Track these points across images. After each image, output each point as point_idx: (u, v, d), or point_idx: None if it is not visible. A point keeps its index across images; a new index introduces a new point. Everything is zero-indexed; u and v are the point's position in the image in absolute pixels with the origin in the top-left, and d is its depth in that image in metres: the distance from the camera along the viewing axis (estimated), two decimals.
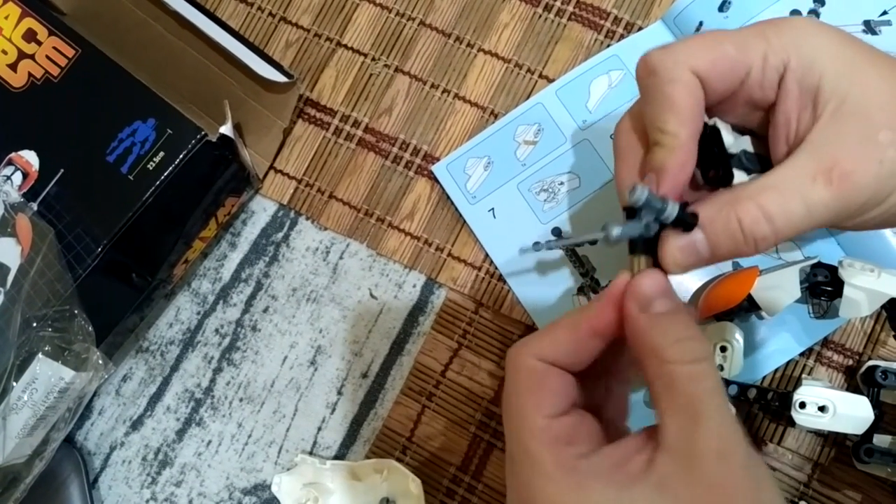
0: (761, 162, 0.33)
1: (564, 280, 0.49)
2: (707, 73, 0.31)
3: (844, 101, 0.30)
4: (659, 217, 0.30)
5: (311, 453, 0.50)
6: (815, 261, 0.43)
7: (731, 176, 0.33)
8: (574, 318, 0.30)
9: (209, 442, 0.51)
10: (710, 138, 0.33)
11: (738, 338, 0.43)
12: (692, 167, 0.32)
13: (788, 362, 0.46)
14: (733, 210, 0.30)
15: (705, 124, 0.33)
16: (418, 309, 0.51)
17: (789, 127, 0.31)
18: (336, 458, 0.50)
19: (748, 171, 0.33)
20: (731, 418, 0.26)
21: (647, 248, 0.31)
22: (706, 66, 0.31)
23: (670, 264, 0.31)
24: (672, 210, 0.30)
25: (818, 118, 0.30)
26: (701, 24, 0.49)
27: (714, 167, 0.33)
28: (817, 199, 0.29)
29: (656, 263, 0.31)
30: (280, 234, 0.53)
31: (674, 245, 0.31)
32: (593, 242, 0.49)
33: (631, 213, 0.30)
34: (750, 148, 0.33)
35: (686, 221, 0.30)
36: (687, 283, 0.47)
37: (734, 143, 0.33)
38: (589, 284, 0.49)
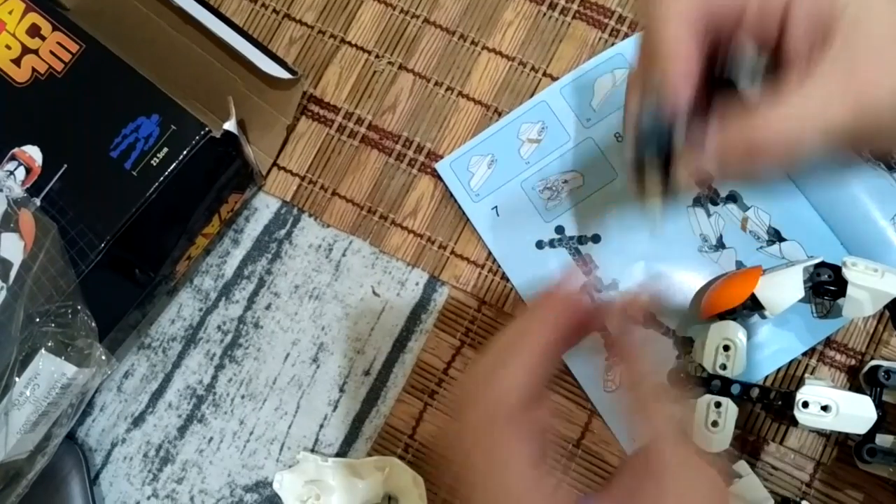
0: (767, 69, 0.33)
1: None
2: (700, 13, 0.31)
3: (857, 21, 0.30)
4: (667, 137, 0.30)
5: (312, 451, 0.50)
6: (818, 260, 0.43)
7: (737, 85, 0.32)
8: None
9: (211, 439, 0.51)
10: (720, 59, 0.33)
11: (742, 337, 0.43)
12: (695, 79, 0.32)
13: (791, 362, 0.46)
14: (745, 130, 0.30)
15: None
16: (421, 307, 0.51)
17: (801, 49, 0.31)
18: (338, 455, 0.50)
19: (756, 80, 0.33)
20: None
21: (653, 171, 0.31)
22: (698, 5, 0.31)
23: (681, 179, 0.31)
24: (679, 133, 0.30)
25: (832, 39, 0.30)
26: None
27: (727, 85, 0.33)
28: (834, 118, 0.29)
29: (664, 186, 0.31)
30: (283, 231, 0.53)
31: (685, 160, 0.31)
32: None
33: (645, 130, 0.30)
34: (759, 64, 0.33)
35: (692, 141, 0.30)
36: (690, 283, 0.48)
37: (746, 59, 0.33)
38: (592, 283, 0.49)
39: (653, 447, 0.30)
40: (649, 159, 0.31)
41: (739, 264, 0.47)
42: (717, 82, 0.33)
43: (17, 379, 0.45)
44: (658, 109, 0.30)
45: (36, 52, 0.50)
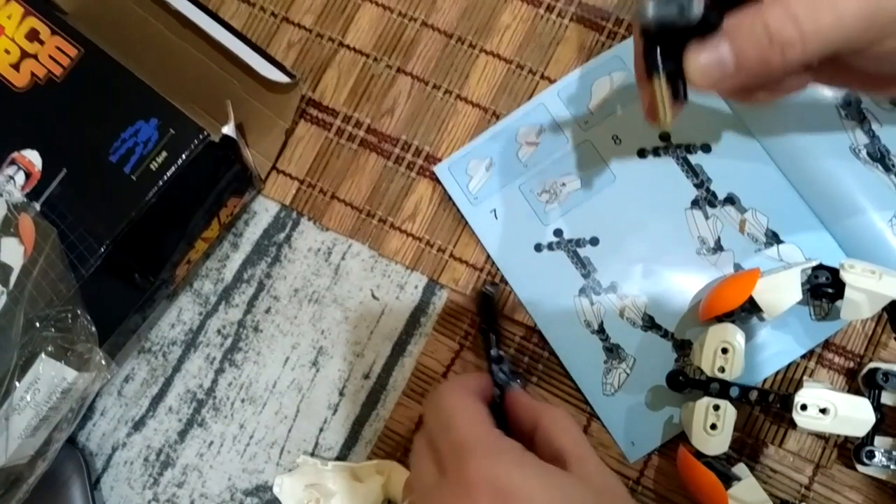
0: None
1: (566, 282, 0.49)
2: None
3: None
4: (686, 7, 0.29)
5: (312, 454, 0.50)
6: (816, 263, 0.43)
7: None
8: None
9: (211, 443, 0.51)
10: None
11: (740, 339, 0.43)
12: None
13: (789, 364, 0.46)
14: (759, 15, 0.29)
15: None
16: (420, 310, 0.51)
17: None
18: (338, 459, 0.50)
19: None
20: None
21: (666, 65, 0.30)
22: None
23: (697, 77, 0.30)
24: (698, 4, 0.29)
25: None
26: None
27: None
28: (848, 7, 0.29)
29: (674, 84, 0.30)
30: (282, 235, 0.53)
31: (699, 57, 0.30)
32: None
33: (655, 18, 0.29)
34: None
35: (710, 22, 0.29)
36: (688, 285, 0.48)
37: None
38: (591, 286, 0.49)
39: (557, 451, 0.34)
40: (660, 48, 0.30)
41: (737, 267, 0.47)
42: None
43: (17, 384, 0.45)
44: None
45: (35, 56, 0.50)
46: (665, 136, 0.48)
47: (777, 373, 0.47)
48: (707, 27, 0.29)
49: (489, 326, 0.47)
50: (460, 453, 0.32)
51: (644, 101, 0.34)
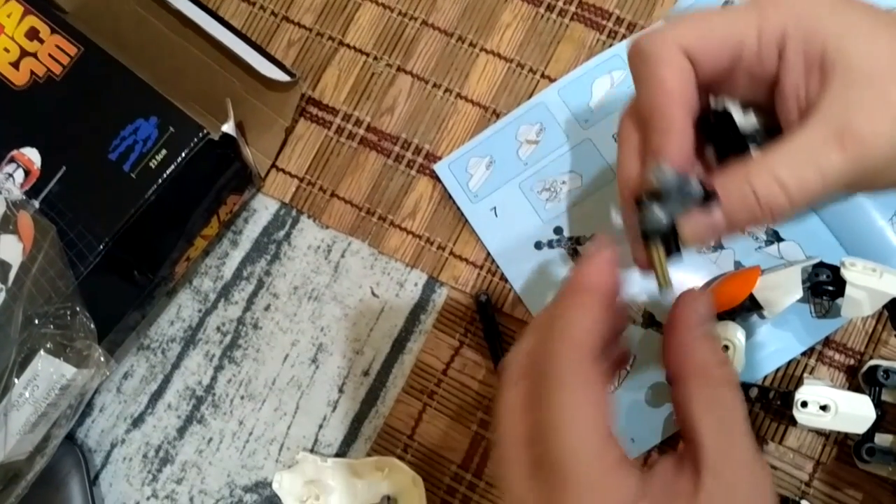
0: (769, 135, 0.33)
1: (566, 279, 0.49)
2: (696, 51, 0.31)
3: (851, 62, 0.29)
4: (684, 194, 0.30)
5: (312, 451, 0.50)
6: (816, 260, 0.43)
7: (748, 152, 0.32)
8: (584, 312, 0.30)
9: (210, 439, 0.51)
10: (722, 122, 0.33)
11: (740, 337, 0.43)
12: (690, 146, 0.32)
13: (790, 361, 0.46)
14: (747, 181, 0.30)
15: (715, 110, 0.33)
16: (420, 307, 0.51)
17: (798, 95, 0.31)
18: (337, 455, 0.50)
19: (760, 147, 0.33)
20: (752, 440, 0.29)
21: (662, 233, 0.31)
22: (694, 44, 0.31)
23: (689, 238, 0.31)
24: (697, 187, 0.30)
25: (827, 83, 0.30)
26: None
27: (730, 149, 0.33)
28: (831, 165, 0.29)
29: (668, 247, 0.31)
30: (282, 233, 0.53)
31: (691, 221, 0.31)
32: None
33: (652, 196, 0.30)
34: (758, 123, 0.33)
35: (706, 195, 0.30)
36: (689, 283, 0.47)
37: (745, 121, 0.33)
38: None
39: (693, 437, 0.29)
40: (653, 222, 0.31)
41: (738, 265, 0.47)
42: (712, 132, 0.33)
43: (16, 380, 0.45)
44: (659, 172, 0.30)
45: (34, 55, 0.50)
46: None
47: (777, 370, 0.46)
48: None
49: (489, 331, 0.48)
50: (554, 484, 0.28)
51: (638, 259, 0.34)
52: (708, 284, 0.47)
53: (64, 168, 0.48)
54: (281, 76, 0.51)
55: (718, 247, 0.48)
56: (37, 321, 0.46)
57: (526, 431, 0.29)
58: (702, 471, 0.28)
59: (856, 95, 0.29)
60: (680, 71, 0.31)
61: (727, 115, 0.33)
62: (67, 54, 0.49)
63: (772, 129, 0.33)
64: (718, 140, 0.33)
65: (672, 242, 0.31)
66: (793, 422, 0.41)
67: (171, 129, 0.47)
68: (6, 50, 0.50)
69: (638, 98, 0.33)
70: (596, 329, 0.30)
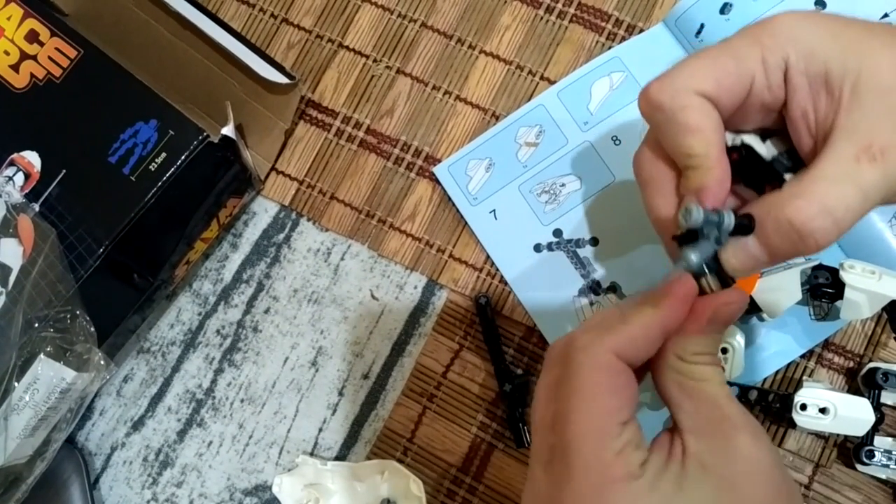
0: (793, 158, 0.33)
1: (566, 282, 0.49)
2: (715, 93, 0.31)
3: (859, 77, 0.29)
4: (720, 231, 0.30)
5: (312, 454, 0.50)
6: (815, 263, 0.43)
7: (783, 181, 0.32)
8: (644, 318, 0.30)
9: (210, 443, 0.51)
10: (747, 158, 0.33)
11: (739, 339, 0.43)
12: (729, 180, 0.32)
13: (789, 364, 0.46)
14: (781, 211, 0.29)
15: (735, 146, 0.33)
16: (419, 310, 0.51)
17: (808, 118, 0.31)
18: (337, 458, 0.50)
19: (790, 171, 0.33)
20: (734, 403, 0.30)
21: (709, 267, 0.31)
22: (712, 87, 0.31)
23: (732, 271, 0.31)
24: (729, 220, 0.30)
25: (840, 101, 0.30)
26: (702, 26, 0.49)
27: (764, 181, 0.33)
28: (868, 180, 0.29)
29: (721, 277, 0.31)
30: (281, 236, 0.53)
31: (731, 254, 0.31)
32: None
33: (688, 237, 0.31)
34: (778, 149, 0.33)
35: (744, 225, 0.30)
36: None
37: (767, 151, 0.33)
38: (590, 286, 0.49)
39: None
40: (695, 266, 0.31)
41: None
42: (737, 168, 0.33)
43: (16, 384, 0.45)
44: (689, 214, 0.30)
45: (34, 57, 0.50)
46: None
47: (777, 372, 0.46)
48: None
49: (488, 334, 0.48)
50: (562, 471, 0.28)
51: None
52: None
53: (64, 171, 0.48)
54: (280, 78, 0.51)
55: None
56: (37, 325, 0.46)
57: (550, 417, 0.30)
58: (685, 435, 0.29)
59: (872, 109, 0.29)
60: (706, 114, 0.31)
61: (748, 149, 0.33)
62: (67, 57, 0.49)
63: (791, 150, 0.33)
64: (745, 175, 0.33)
65: (724, 274, 0.31)
66: (792, 424, 0.41)
67: (171, 131, 0.47)
68: (6, 53, 0.50)
69: (666, 144, 0.33)
70: (640, 347, 0.30)
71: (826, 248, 0.30)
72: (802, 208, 0.29)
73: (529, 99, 0.52)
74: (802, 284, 0.42)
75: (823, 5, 0.49)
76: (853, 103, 0.29)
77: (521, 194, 0.51)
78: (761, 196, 0.32)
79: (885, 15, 0.48)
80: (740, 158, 0.33)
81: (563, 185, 0.50)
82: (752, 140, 0.33)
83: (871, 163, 0.29)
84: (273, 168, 0.54)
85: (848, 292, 0.41)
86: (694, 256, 0.30)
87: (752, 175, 0.33)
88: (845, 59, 0.30)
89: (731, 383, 0.43)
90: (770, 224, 0.30)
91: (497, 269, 0.50)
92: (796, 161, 0.33)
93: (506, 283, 0.50)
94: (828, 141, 0.30)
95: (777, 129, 0.33)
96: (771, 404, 0.42)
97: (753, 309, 0.43)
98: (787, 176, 0.32)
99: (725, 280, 0.31)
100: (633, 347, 0.29)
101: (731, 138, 0.33)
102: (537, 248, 0.50)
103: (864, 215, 0.30)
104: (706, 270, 0.31)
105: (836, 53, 0.30)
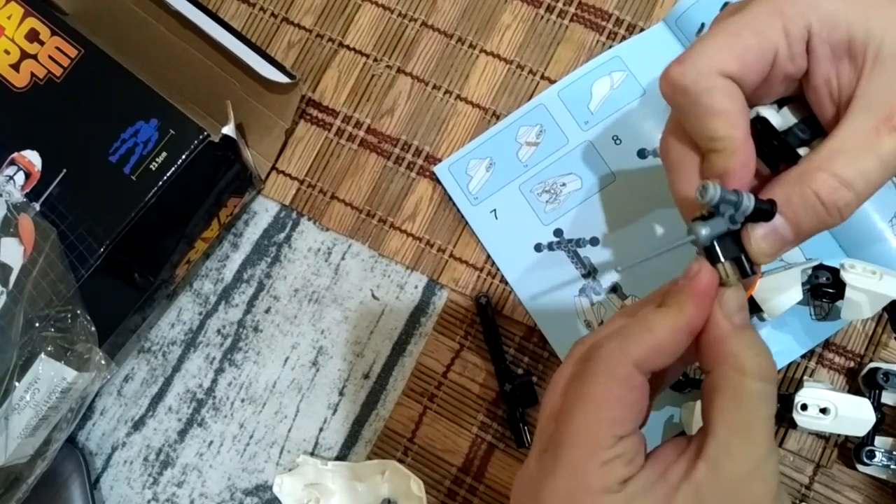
0: (812, 125, 0.32)
1: (566, 282, 0.49)
2: (739, 73, 0.30)
3: (882, 44, 0.29)
4: (736, 210, 0.29)
5: (312, 454, 0.50)
6: (816, 263, 0.43)
7: (797, 155, 0.32)
8: (668, 322, 0.29)
9: (211, 442, 0.51)
10: (762, 131, 0.32)
11: None
12: (754, 163, 0.31)
13: (790, 364, 0.46)
14: (807, 186, 0.29)
15: (751, 119, 0.32)
16: (420, 310, 0.51)
17: (831, 86, 0.30)
18: (338, 458, 0.50)
19: (806, 142, 0.32)
20: (775, 450, 0.28)
21: (727, 252, 0.30)
22: (735, 67, 0.30)
23: (759, 255, 0.30)
24: (748, 202, 0.29)
25: (861, 69, 0.29)
26: (703, 25, 0.49)
27: (778, 156, 0.33)
28: (886, 149, 0.29)
29: (741, 265, 0.30)
30: (282, 235, 0.53)
31: (758, 236, 0.30)
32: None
33: (709, 218, 0.30)
34: (795, 118, 0.33)
35: (765, 210, 0.30)
36: None
37: (783, 121, 0.33)
38: (591, 286, 0.49)
39: (706, 426, 0.28)
40: (722, 244, 0.30)
41: None
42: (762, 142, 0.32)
43: (17, 383, 0.45)
44: (724, 189, 0.29)
45: (35, 56, 0.50)
46: None
47: (777, 372, 0.46)
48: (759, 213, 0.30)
49: (489, 333, 0.48)
50: (552, 464, 0.28)
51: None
52: None
53: (64, 171, 0.48)
54: (281, 78, 0.51)
55: None
56: (37, 324, 0.46)
57: (557, 408, 0.30)
58: (698, 461, 0.27)
59: (894, 76, 0.29)
60: (730, 96, 0.30)
61: (763, 122, 0.33)
62: (68, 56, 0.49)
63: (808, 118, 0.32)
64: (762, 149, 0.33)
65: (744, 263, 0.30)
66: (793, 424, 0.41)
67: (172, 131, 0.47)
68: (6, 52, 0.50)
69: (689, 127, 0.32)
70: (667, 353, 0.29)
71: (846, 218, 0.30)
72: (827, 181, 0.29)
73: (530, 98, 0.52)
74: (803, 284, 0.42)
75: None
76: (875, 70, 0.29)
77: (522, 194, 0.51)
78: (778, 175, 0.31)
79: None
80: (755, 132, 0.32)
81: (563, 184, 0.50)
82: (768, 112, 0.33)
83: (892, 133, 0.28)
84: (273, 167, 0.54)
85: (849, 292, 0.41)
86: (703, 230, 0.29)
87: (766, 149, 0.33)
88: (869, 24, 0.29)
89: None
90: (796, 199, 0.29)
91: (498, 269, 0.50)
92: (814, 129, 0.32)
93: (506, 283, 0.50)
94: (848, 109, 0.29)
95: (793, 96, 0.33)
96: None
97: (754, 309, 0.43)
98: (802, 151, 0.32)
99: (744, 269, 0.30)
100: (658, 356, 0.29)
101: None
102: (538, 247, 0.50)
103: (884, 184, 0.29)
104: (717, 250, 0.30)
105: (858, 19, 0.29)
